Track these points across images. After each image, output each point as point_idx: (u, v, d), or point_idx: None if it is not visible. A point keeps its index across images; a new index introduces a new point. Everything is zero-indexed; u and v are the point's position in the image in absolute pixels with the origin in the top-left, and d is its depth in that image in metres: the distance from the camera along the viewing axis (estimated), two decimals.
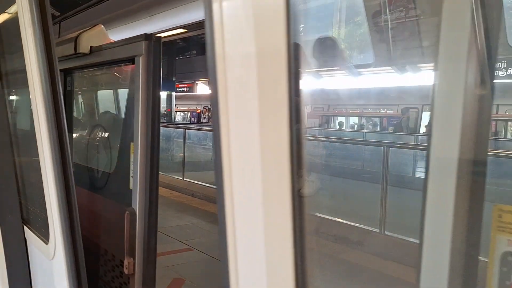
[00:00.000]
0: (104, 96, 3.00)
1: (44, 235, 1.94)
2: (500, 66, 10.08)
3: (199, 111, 24.26)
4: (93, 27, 2.46)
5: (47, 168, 1.75)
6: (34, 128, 1.83)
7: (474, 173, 0.95)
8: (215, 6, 0.73)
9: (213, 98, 0.76)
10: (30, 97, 1.83)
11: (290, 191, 0.67)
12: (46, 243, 1.88)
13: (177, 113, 24.76)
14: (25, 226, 2.19)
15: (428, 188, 0.97)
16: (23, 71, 1.85)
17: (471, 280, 0.98)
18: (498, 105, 10.85)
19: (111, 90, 2.92)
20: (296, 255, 0.67)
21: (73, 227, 1.71)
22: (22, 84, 2.02)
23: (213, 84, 0.76)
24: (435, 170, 0.99)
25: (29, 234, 2.15)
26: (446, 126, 0.97)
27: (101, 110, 2.96)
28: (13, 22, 1.95)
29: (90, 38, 2.36)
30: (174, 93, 22.02)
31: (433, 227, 0.99)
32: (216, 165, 0.77)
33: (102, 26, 2.49)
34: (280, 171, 0.68)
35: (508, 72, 10.39)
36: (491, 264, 0.93)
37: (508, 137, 12.35)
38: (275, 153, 0.69)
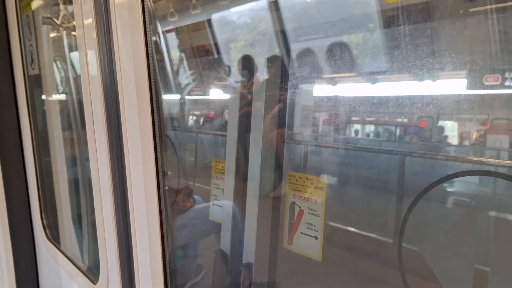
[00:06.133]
0: None
1: (89, 271, 1.66)
2: None
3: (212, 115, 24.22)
4: None
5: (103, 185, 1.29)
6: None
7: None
8: None
9: None
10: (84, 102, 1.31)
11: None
12: (94, 283, 1.50)
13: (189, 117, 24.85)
14: (57, 250, 1.92)
15: None
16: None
17: None
18: None
19: None
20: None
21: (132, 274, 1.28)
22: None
23: None
24: None
25: (62, 259, 1.86)
26: None
27: None
28: None
29: None
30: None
31: None
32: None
33: None
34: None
35: None
36: (285, 210, 1.35)
37: None
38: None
